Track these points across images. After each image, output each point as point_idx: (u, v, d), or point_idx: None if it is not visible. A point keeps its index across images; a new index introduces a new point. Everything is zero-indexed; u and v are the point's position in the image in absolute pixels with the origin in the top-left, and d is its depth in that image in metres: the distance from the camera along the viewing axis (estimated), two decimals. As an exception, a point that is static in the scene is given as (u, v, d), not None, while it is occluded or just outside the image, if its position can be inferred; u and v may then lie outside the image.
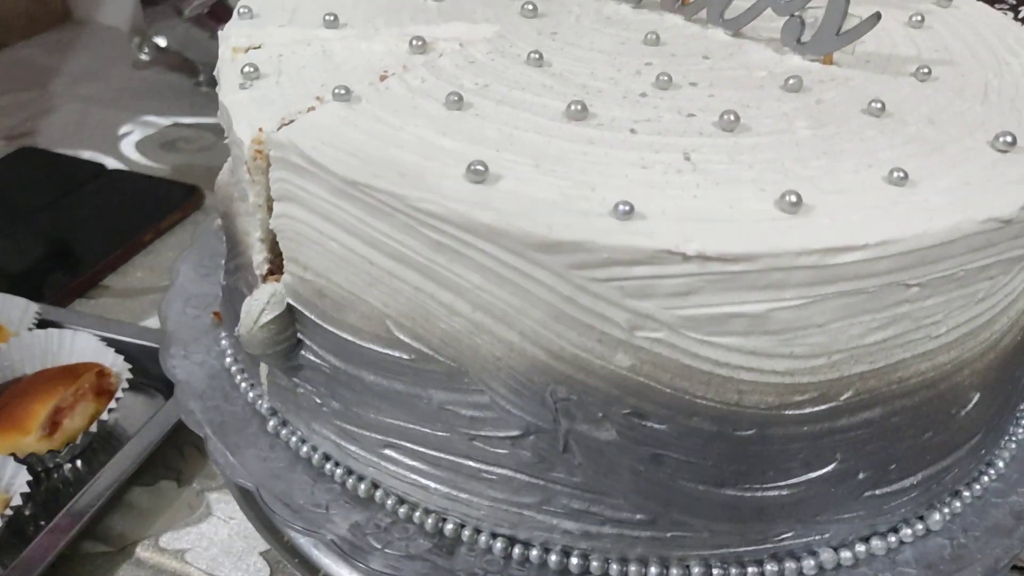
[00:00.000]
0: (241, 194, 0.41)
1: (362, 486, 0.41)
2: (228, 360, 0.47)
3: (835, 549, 0.39)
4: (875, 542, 0.39)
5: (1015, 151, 0.37)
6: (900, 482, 0.38)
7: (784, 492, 0.37)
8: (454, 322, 0.35)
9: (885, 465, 0.38)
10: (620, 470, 0.36)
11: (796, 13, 0.42)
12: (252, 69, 0.41)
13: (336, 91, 0.39)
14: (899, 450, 0.38)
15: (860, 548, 0.39)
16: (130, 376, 0.60)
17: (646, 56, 0.43)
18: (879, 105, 0.39)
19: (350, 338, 0.38)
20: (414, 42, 0.43)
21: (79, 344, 0.63)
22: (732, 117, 0.37)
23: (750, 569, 0.38)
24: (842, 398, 0.35)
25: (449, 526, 0.39)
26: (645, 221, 0.32)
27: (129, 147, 0.97)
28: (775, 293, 0.32)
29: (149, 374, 0.61)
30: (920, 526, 0.40)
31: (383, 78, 0.41)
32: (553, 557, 0.38)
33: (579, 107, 0.37)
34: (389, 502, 0.40)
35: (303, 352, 0.40)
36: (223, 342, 0.48)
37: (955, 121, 0.39)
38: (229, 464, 0.41)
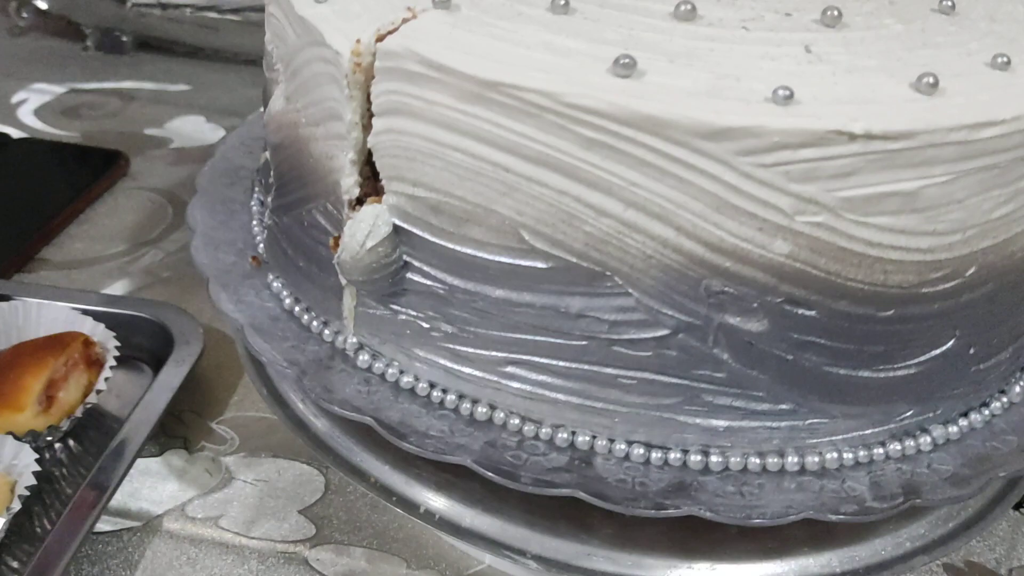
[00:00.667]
0: (323, 116, 0.39)
1: (480, 408, 0.40)
2: (288, 301, 0.45)
3: (944, 424, 0.41)
4: (973, 416, 0.42)
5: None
6: (997, 355, 0.41)
7: (911, 371, 0.39)
8: (601, 223, 0.35)
9: (990, 340, 0.40)
10: (767, 361, 0.37)
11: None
12: (342, -19, 0.39)
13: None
14: (1001, 324, 0.40)
15: (963, 423, 0.41)
16: (117, 344, 0.56)
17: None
18: (950, 4, 0.41)
19: (474, 253, 0.37)
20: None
21: (48, 315, 0.59)
22: (835, 13, 0.38)
23: (875, 451, 0.40)
24: (967, 274, 0.37)
25: (581, 438, 0.39)
26: (804, 105, 0.33)
27: (28, 115, 0.90)
28: (926, 170, 0.34)
29: (129, 343, 0.58)
30: (1004, 399, 0.43)
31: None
32: (694, 457, 0.38)
33: (688, 7, 0.38)
34: (513, 421, 0.40)
35: (409, 275, 0.39)
36: (275, 284, 0.46)
37: (1009, 19, 0.42)
38: (336, 400, 0.39)
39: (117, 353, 0.56)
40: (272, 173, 0.45)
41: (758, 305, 0.36)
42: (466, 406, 0.40)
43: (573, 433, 0.39)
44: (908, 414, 0.40)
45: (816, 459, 0.39)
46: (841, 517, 0.38)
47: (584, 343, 0.37)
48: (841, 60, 0.36)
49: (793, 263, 0.35)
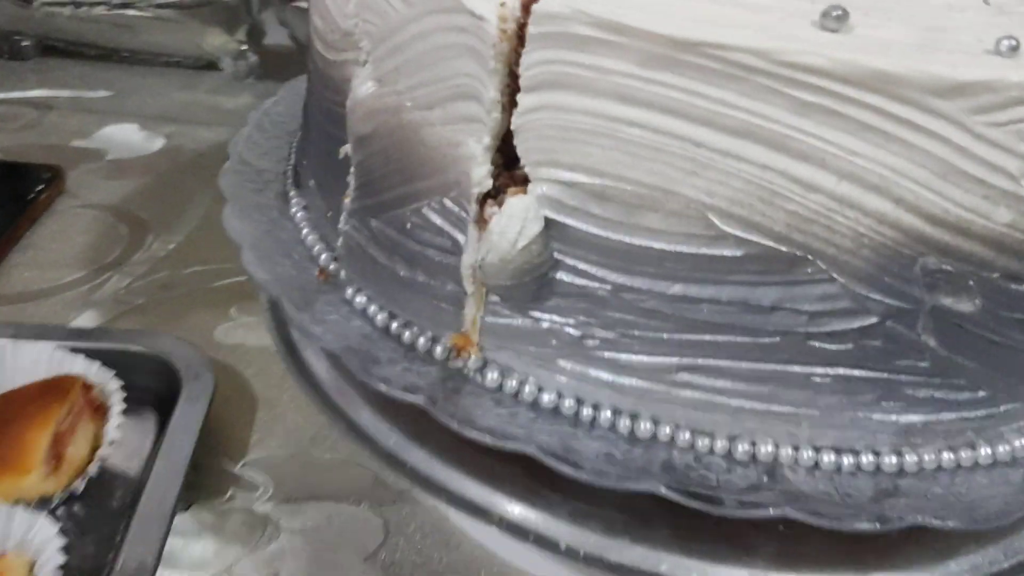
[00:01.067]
0: (444, 96, 0.34)
1: (642, 424, 0.35)
2: (381, 318, 0.39)
3: None
4: None
5: None
6: None
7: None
8: (809, 200, 0.31)
9: None
10: (975, 344, 0.34)
11: None
12: (440, -63, 0.34)
13: (591, -52, 0.33)
14: None
15: None
16: (120, 383, 0.49)
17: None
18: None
19: (647, 243, 0.33)
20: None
21: (27, 357, 0.50)
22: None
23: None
24: None
25: (764, 449, 0.35)
26: (1021, 51, 0.30)
27: (-68, 133, 0.79)
28: None
29: (129, 384, 0.50)
30: None
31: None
32: (888, 459, 0.35)
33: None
34: (683, 436, 0.35)
35: (559, 275, 0.34)
36: (358, 299, 0.40)
37: None
38: (481, 428, 0.34)
39: (124, 395, 0.49)
40: (355, 170, 0.39)
41: (974, 283, 0.33)
42: (624, 423, 0.36)
43: (753, 444, 0.35)
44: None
45: (1007, 448, 0.36)
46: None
47: (775, 340, 0.33)
48: (1021, 11, 0.34)
49: (1013, 232, 0.32)
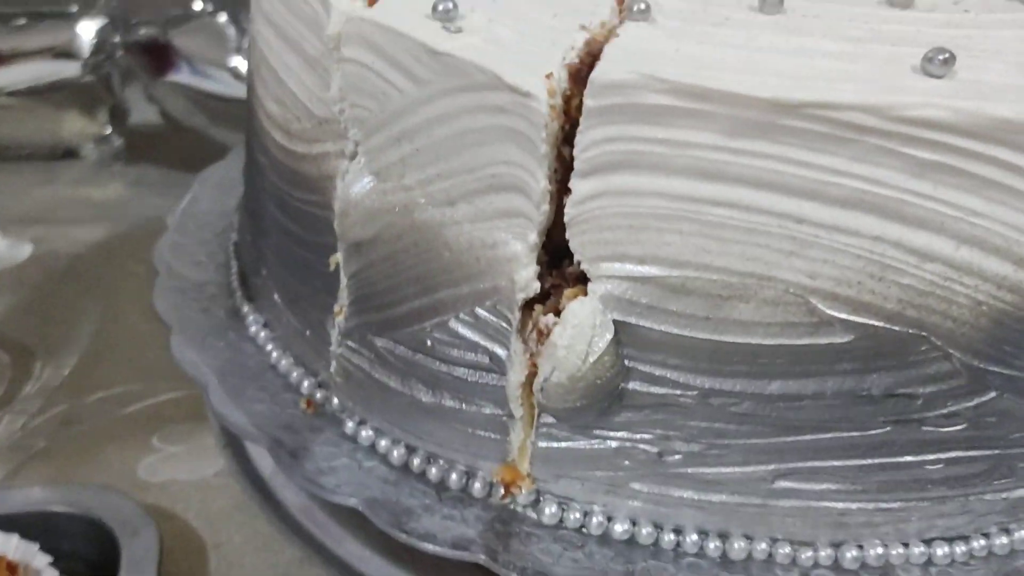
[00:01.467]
0: (474, 189, 0.28)
1: (736, 544, 0.30)
2: (398, 453, 0.32)
3: None
4: None
5: None
6: None
7: None
8: (925, 271, 0.27)
9: None
10: (1089, 405, 0.30)
11: None
12: (450, 8, 0.28)
13: (636, 8, 0.27)
14: None
15: None
16: (49, 558, 0.40)
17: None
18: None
19: (738, 340, 0.28)
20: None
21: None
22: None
23: None
24: None
25: (872, 552, 0.30)
26: None
27: None
28: None
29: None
30: None
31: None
32: (1000, 540, 0.31)
33: (906, -12, 0.31)
34: (783, 551, 0.30)
35: (632, 386, 0.29)
36: (363, 433, 0.33)
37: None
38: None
39: (56, 572, 0.40)
40: (349, 282, 0.32)
41: (1092, 338, 0.29)
42: (714, 545, 0.30)
43: (860, 547, 0.30)
44: None
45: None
46: None
47: (887, 430, 0.29)
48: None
49: None
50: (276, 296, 0.37)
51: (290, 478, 0.32)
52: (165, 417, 0.54)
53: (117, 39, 0.77)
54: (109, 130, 0.81)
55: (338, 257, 0.33)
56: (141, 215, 0.76)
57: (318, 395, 0.36)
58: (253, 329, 0.39)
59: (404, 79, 0.29)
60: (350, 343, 0.33)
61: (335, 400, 0.35)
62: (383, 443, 0.33)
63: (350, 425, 0.34)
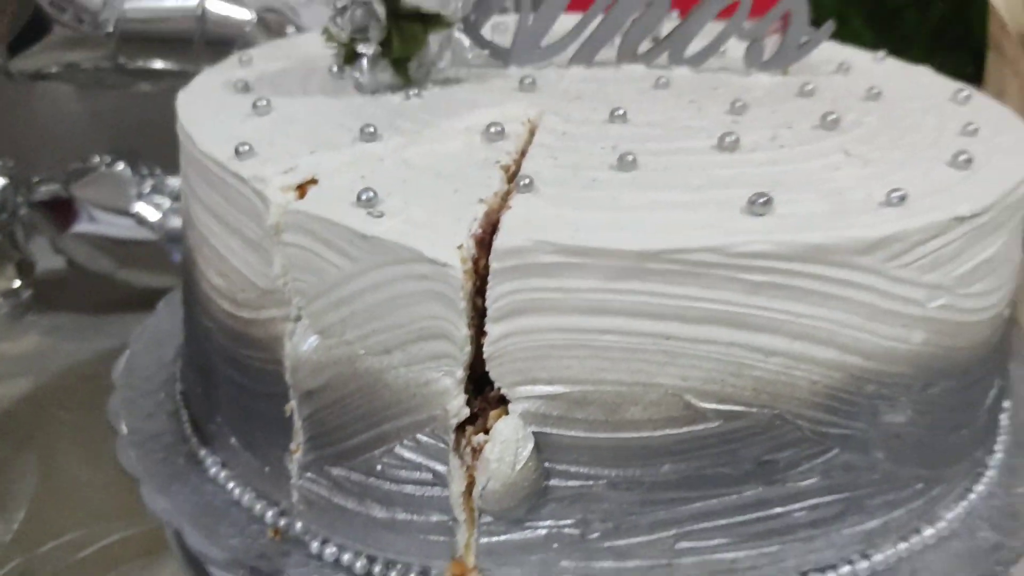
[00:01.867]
0: (405, 338, 0.34)
1: (653, 602, 0.36)
2: (361, 564, 0.38)
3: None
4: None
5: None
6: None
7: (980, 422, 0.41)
8: (770, 364, 0.34)
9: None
10: (911, 449, 0.38)
11: (755, 38, 0.47)
12: (371, 195, 0.34)
13: (520, 183, 0.34)
14: None
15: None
16: None
17: (683, 95, 0.45)
18: (876, 91, 0.46)
19: (632, 435, 0.34)
20: (491, 129, 0.39)
21: None
22: (833, 118, 0.41)
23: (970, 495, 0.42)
24: (1006, 315, 0.41)
25: (763, 589, 0.36)
26: (911, 202, 0.34)
27: None
28: (995, 236, 0.37)
29: None
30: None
31: (507, 170, 0.37)
32: (860, 564, 0.38)
33: (733, 138, 0.38)
34: (692, 601, 0.36)
35: (552, 482, 0.34)
36: (328, 551, 0.38)
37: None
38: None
39: None
40: (304, 423, 0.37)
41: (904, 398, 0.36)
42: (632, 604, 0.36)
43: (752, 587, 0.37)
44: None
45: (943, 524, 0.40)
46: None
47: (759, 490, 0.35)
48: (871, 156, 0.39)
49: (927, 348, 0.36)
50: (232, 440, 0.42)
51: (270, 601, 0.37)
52: (118, 557, 0.57)
53: (20, 198, 0.79)
54: (17, 283, 0.83)
55: (292, 404, 0.38)
56: (60, 363, 0.79)
57: (282, 522, 0.40)
58: (213, 471, 0.43)
59: (339, 257, 0.34)
60: (309, 475, 0.38)
61: (298, 525, 0.39)
62: (346, 557, 0.38)
63: (315, 545, 0.39)
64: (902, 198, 0.34)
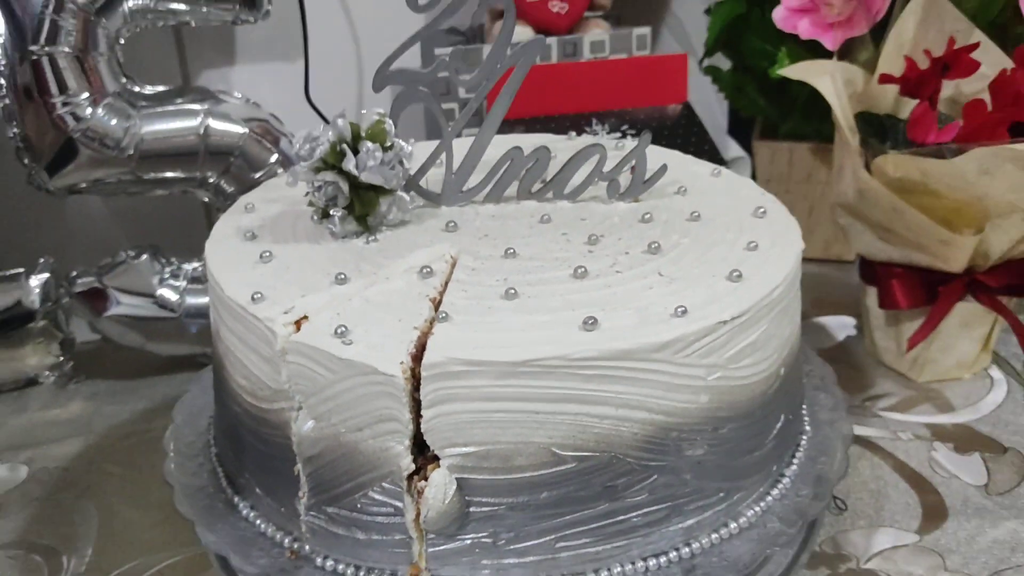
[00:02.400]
0: (371, 421, 0.52)
1: (541, 580, 0.54)
2: (351, 572, 0.55)
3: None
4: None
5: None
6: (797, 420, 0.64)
7: (766, 449, 0.59)
8: (604, 424, 0.52)
9: (796, 410, 0.63)
10: (709, 470, 0.56)
11: (612, 178, 0.66)
12: (343, 329, 0.52)
13: (439, 316, 0.52)
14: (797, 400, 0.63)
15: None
16: None
17: (559, 228, 0.64)
18: (696, 215, 0.64)
19: (520, 476, 0.52)
20: (423, 270, 0.57)
21: None
22: (656, 245, 0.59)
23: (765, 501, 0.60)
24: (780, 373, 0.59)
25: (617, 570, 0.55)
26: (693, 312, 0.53)
27: None
28: (755, 328, 0.55)
29: None
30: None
31: (434, 301, 0.55)
32: (685, 551, 0.56)
33: (583, 270, 0.56)
34: (566, 579, 0.54)
35: (472, 509, 0.52)
36: (328, 563, 0.56)
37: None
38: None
39: None
40: (307, 478, 0.55)
41: (699, 438, 0.54)
42: (529, 586, 0.54)
43: (609, 570, 0.55)
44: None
45: (745, 520, 0.58)
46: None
47: (607, 505, 0.53)
48: (681, 275, 0.57)
49: (710, 406, 0.54)
50: (257, 489, 0.60)
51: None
52: (178, 570, 0.73)
53: (61, 290, 0.96)
54: (61, 358, 1.00)
55: (298, 466, 0.55)
56: (103, 424, 0.95)
57: (295, 546, 0.58)
58: (244, 512, 0.61)
59: (325, 370, 0.52)
60: (312, 513, 0.56)
61: (307, 547, 0.57)
62: (340, 567, 0.56)
63: (319, 560, 0.57)
64: (684, 311, 0.53)
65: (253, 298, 0.56)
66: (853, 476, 0.79)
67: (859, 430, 0.87)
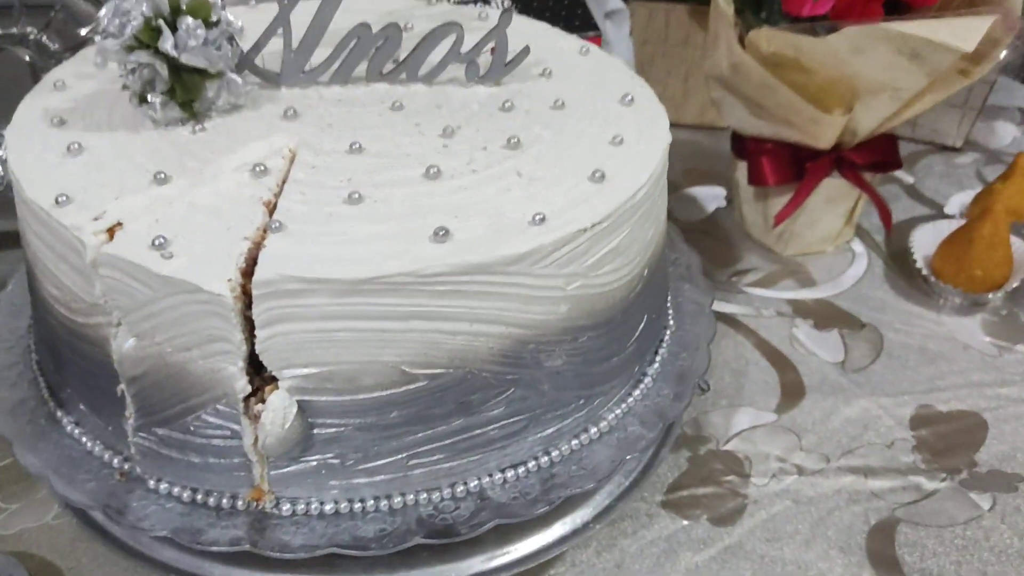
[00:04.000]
0: (199, 341, 0.47)
1: (395, 499, 0.52)
2: (187, 494, 0.51)
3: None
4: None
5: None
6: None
7: (627, 352, 0.57)
8: (457, 340, 0.48)
9: (659, 310, 0.60)
10: (565, 381, 0.54)
11: (471, 60, 0.60)
12: (162, 240, 0.46)
13: (273, 225, 0.47)
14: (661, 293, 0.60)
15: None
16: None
17: (411, 118, 0.58)
18: (560, 103, 0.59)
19: (367, 396, 0.48)
20: (256, 168, 0.51)
21: None
22: (516, 140, 0.54)
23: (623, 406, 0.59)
24: (644, 274, 0.56)
25: (472, 484, 0.53)
26: (549, 220, 0.49)
27: None
28: (616, 234, 0.52)
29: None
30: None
31: (268, 205, 0.49)
32: (544, 460, 0.54)
33: (435, 170, 0.51)
34: (422, 496, 0.52)
35: (316, 432, 0.49)
36: (163, 486, 0.52)
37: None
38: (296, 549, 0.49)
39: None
40: (132, 399, 0.50)
41: (558, 349, 0.51)
42: (383, 504, 0.51)
43: (465, 483, 0.52)
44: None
45: (605, 423, 0.57)
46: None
47: (462, 421, 0.50)
48: (540, 176, 0.52)
49: (569, 315, 0.51)
50: (81, 405, 0.54)
51: (121, 527, 0.50)
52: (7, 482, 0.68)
53: None
54: None
55: (122, 386, 0.50)
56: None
57: (126, 467, 0.53)
58: (69, 428, 0.55)
59: (142, 287, 0.46)
60: (141, 434, 0.51)
61: (138, 468, 0.53)
62: (175, 490, 0.52)
63: (152, 483, 0.52)
64: (543, 219, 0.49)
65: (58, 201, 0.48)
66: (716, 356, 0.79)
67: (724, 307, 0.87)
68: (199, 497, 0.52)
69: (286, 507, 0.51)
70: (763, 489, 0.71)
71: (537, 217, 0.48)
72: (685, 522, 0.68)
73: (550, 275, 0.49)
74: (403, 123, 0.57)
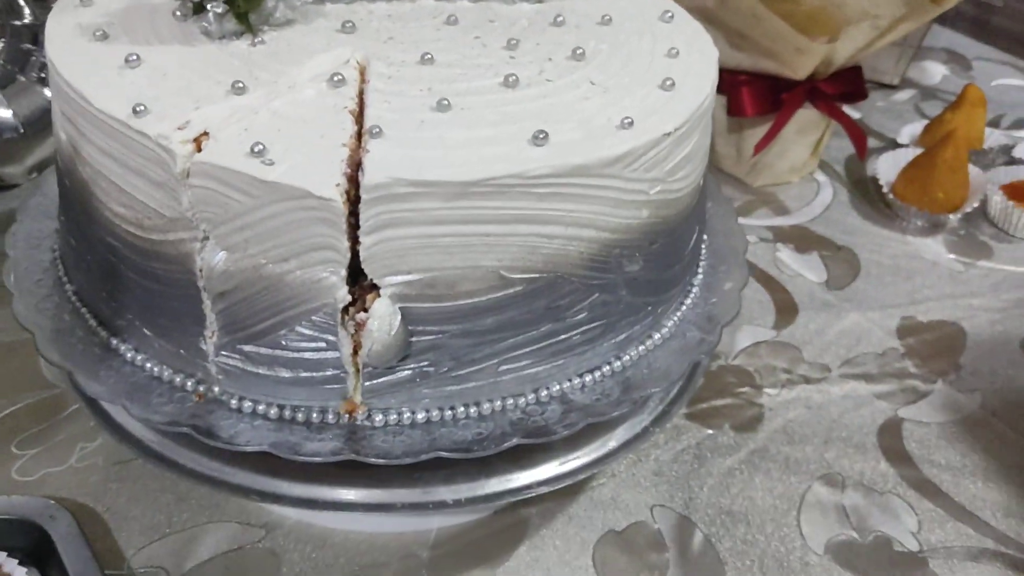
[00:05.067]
0: (301, 250, 0.45)
1: (484, 405, 0.52)
2: (274, 412, 0.50)
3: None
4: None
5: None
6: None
7: (683, 263, 0.59)
8: (553, 244, 0.48)
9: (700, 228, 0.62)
10: (642, 286, 0.54)
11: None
12: (261, 147, 0.44)
13: (372, 130, 0.45)
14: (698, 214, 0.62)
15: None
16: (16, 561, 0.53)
17: (469, 31, 0.57)
18: (607, 18, 0.59)
19: (466, 301, 0.48)
20: (334, 78, 0.49)
21: None
22: (580, 51, 0.54)
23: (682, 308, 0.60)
24: (700, 185, 0.57)
25: (558, 387, 0.53)
26: (636, 125, 0.49)
27: None
28: (689, 141, 0.53)
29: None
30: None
31: (354, 114, 0.48)
32: (616, 364, 0.55)
33: (514, 78, 0.51)
34: (509, 402, 0.52)
35: (414, 339, 0.48)
36: (246, 404, 0.50)
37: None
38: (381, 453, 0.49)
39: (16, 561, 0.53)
40: (217, 316, 0.48)
41: (638, 254, 0.52)
42: (473, 411, 0.51)
43: (548, 388, 0.53)
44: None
45: (666, 329, 0.58)
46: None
47: (550, 326, 0.51)
48: (612, 83, 0.53)
49: (650, 220, 0.52)
50: (146, 330, 0.52)
51: (213, 446, 0.48)
52: (7, 431, 0.65)
53: None
54: None
55: (206, 303, 0.48)
56: None
57: (201, 388, 0.51)
58: (129, 355, 0.53)
59: (240, 195, 0.45)
60: (224, 352, 0.49)
61: (216, 388, 0.51)
62: (261, 407, 0.50)
63: (235, 403, 0.51)
64: (631, 123, 0.49)
65: (135, 111, 0.46)
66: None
67: (711, 236, 0.90)
68: (286, 413, 0.50)
69: (379, 418, 0.50)
70: (776, 398, 0.74)
71: (625, 121, 0.49)
72: (710, 431, 0.71)
73: (637, 179, 0.49)
74: (463, 36, 0.56)
